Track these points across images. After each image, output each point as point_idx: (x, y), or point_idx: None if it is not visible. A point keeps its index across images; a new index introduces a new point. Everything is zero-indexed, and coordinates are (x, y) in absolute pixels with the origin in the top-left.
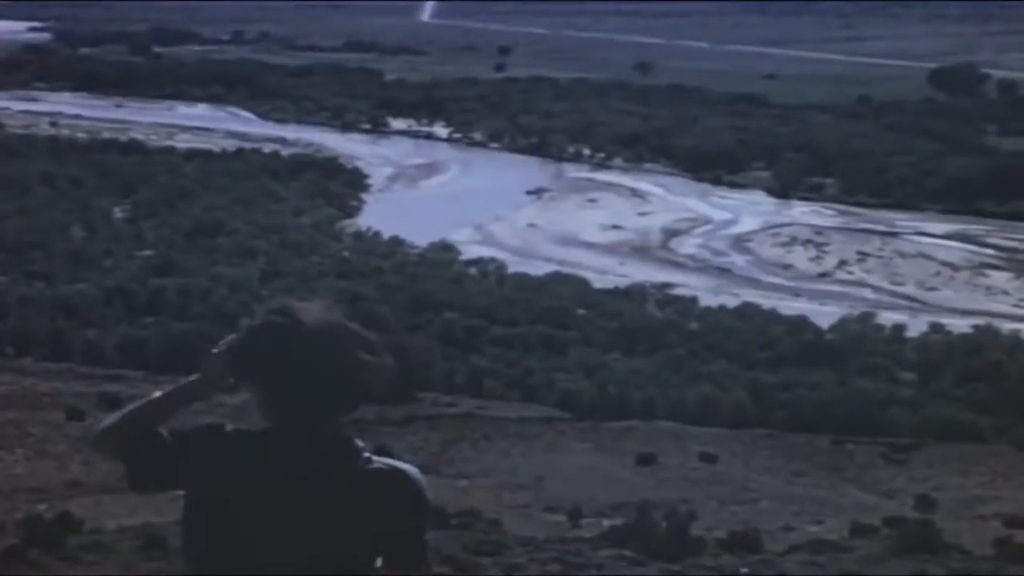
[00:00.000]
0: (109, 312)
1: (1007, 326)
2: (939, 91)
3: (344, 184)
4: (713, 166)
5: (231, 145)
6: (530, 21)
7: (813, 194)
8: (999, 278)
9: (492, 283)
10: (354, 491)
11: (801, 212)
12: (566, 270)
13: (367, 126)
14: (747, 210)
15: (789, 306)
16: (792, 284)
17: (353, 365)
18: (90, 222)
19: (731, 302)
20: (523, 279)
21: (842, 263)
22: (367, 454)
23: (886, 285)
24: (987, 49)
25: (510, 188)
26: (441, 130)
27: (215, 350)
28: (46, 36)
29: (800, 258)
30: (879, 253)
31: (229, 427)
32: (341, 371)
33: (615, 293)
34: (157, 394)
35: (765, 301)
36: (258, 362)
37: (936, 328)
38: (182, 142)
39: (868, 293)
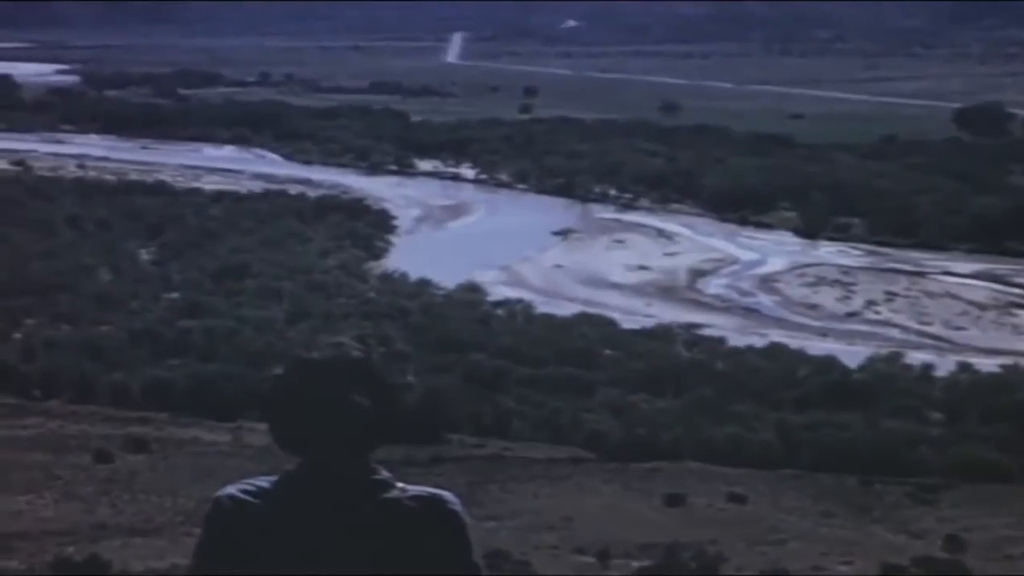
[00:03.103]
0: (135, 354)
1: None
2: (963, 131)
3: (370, 225)
4: (739, 206)
5: (257, 187)
6: (555, 62)
7: (839, 234)
8: None
9: (519, 324)
10: (392, 522)
11: (828, 252)
12: (593, 311)
13: (393, 167)
14: (774, 250)
15: (817, 346)
16: (819, 324)
17: (374, 400)
18: (117, 264)
19: (758, 342)
20: (550, 320)
21: (869, 303)
22: (400, 484)
23: (913, 325)
24: (1011, 89)
25: (536, 229)
26: (467, 171)
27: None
28: (73, 79)
29: (827, 298)
30: (906, 293)
31: (248, 489)
32: (361, 407)
33: (642, 334)
34: None
35: (792, 341)
36: (281, 405)
37: (964, 368)
38: (208, 184)
39: (895, 333)
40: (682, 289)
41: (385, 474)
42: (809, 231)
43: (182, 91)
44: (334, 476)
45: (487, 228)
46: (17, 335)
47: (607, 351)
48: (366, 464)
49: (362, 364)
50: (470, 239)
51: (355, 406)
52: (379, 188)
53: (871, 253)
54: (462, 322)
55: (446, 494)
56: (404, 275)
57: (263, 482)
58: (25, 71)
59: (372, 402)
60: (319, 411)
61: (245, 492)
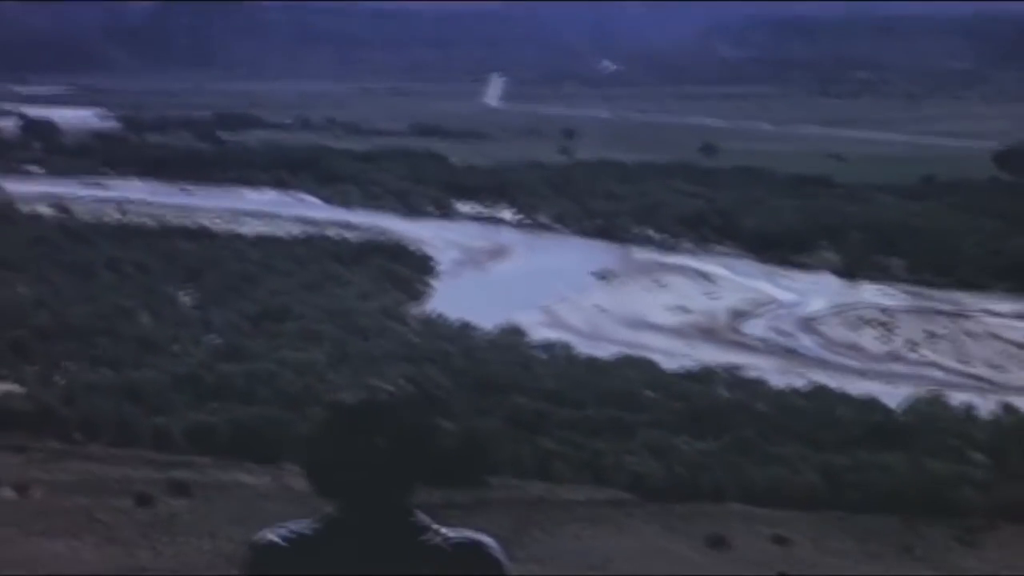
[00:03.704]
0: (176, 397)
1: None
2: (1004, 170)
3: (410, 268)
4: (779, 247)
5: (297, 230)
6: (594, 104)
7: (879, 274)
8: None
9: (560, 366)
10: (431, 567)
11: (868, 292)
12: (633, 352)
13: (433, 210)
14: (814, 291)
15: (858, 387)
16: (861, 365)
17: (410, 443)
18: (156, 307)
19: (799, 383)
20: (591, 361)
21: (910, 343)
22: (438, 528)
23: (955, 365)
24: None
25: (576, 270)
26: (507, 213)
27: None
28: (113, 123)
29: (868, 339)
30: (947, 333)
31: (286, 534)
32: (397, 450)
33: (683, 375)
34: None
35: (833, 382)
36: (317, 450)
37: (1006, 408)
38: (248, 227)
39: (937, 373)
40: (722, 330)
41: (423, 518)
42: (849, 271)
43: (222, 134)
44: (372, 520)
45: (527, 270)
46: (57, 379)
47: (648, 392)
48: (404, 508)
49: (396, 407)
50: (510, 281)
51: (391, 450)
52: (419, 231)
53: (911, 293)
54: (502, 364)
55: (485, 538)
56: (444, 317)
57: (301, 526)
58: (66, 115)
59: (408, 445)
60: (355, 455)
61: (283, 536)
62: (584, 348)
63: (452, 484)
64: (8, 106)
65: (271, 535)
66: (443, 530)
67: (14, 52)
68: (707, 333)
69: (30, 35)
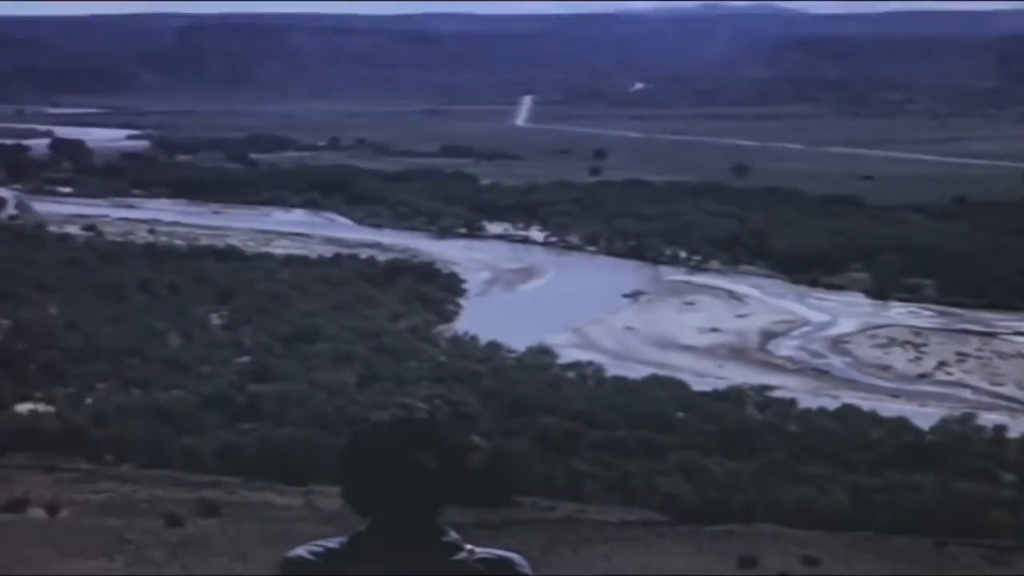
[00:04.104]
0: (207, 418)
1: None
2: None
3: (441, 289)
4: (810, 267)
5: (327, 251)
6: (624, 125)
7: (910, 295)
8: None
9: (590, 386)
10: None
11: (899, 313)
12: (664, 373)
13: (463, 230)
14: (845, 311)
15: (888, 407)
16: (891, 385)
17: (441, 461)
18: (187, 329)
19: (830, 404)
20: (621, 382)
21: (941, 364)
22: (468, 546)
23: (985, 386)
24: None
25: (607, 291)
26: (537, 234)
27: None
28: (144, 144)
29: (899, 359)
30: (978, 354)
31: (317, 551)
32: (428, 468)
33: (714, 396)
34: None
35: (864, 403)
36: (351, 467)
37: None
38: (279, 248)
39: (968, 394)
40: (753, 351)
41: (453, 535)
42: (880, 292)
43: (253, 156)
44: (402, 537)
45: (557, 291)
46: (89, 400)
47: (679, 413)
48: (434, 525)
49: (428, 425)
50: (540, 302)
51: (422, 467)
52: (449, 251)
53: (942, 314)
54: (533, 385)
55: (514, 556)
56: (475, 338)
57: (332, 543)
58: (97, 136)
59: (439, 463)
60: (387, 472)
61: (314, 553)
62: (614, 369)
63: (483, 504)
64: (39, 127)
65: (303, 551)
66: (472, 548)
67: (46, 74)
68: (738, 353)
69: (61, 57)
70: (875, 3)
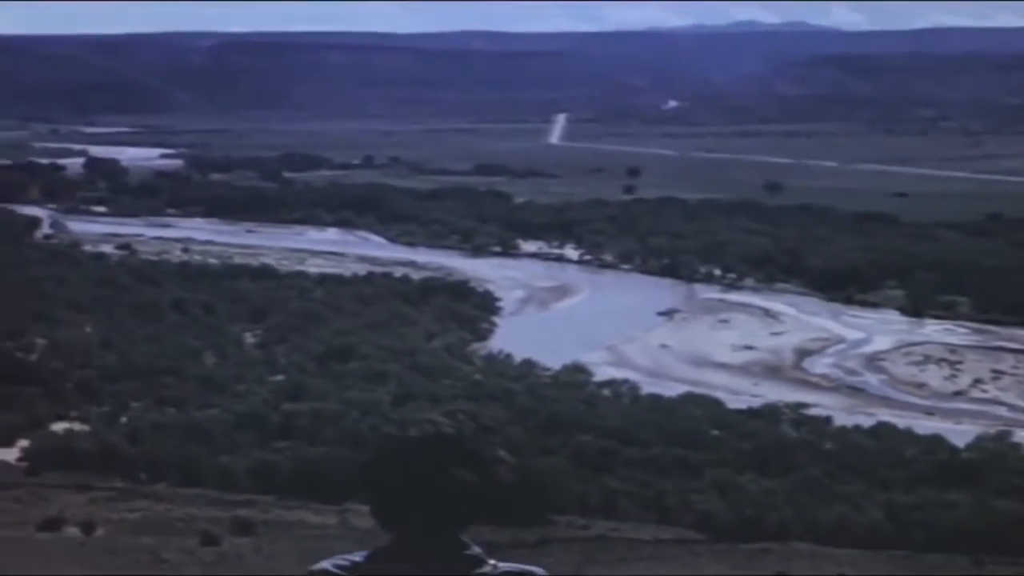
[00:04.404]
0: (241, 437)
1: None
2: None
3: (475, 307)
4: (844, 285)
5: (361, 269)
6: (658, 143)
7: (945, 312)
8: None
9: (625, 404)
10: None
11: (934, 330)
12: (699, 391)
13: (497, 249)
14: (879, 329)
15: (924, 425)
16: (926, 403)
17: (466, 476)
18: (221, 347)
19: (865, 421)
20: (656, 400)
21: (976, 381)
22: (492, 561)
23: (1021, 403)
24: None
25: (641, 309)
26: (571, 252)
27: None
28: (178, 163)
29: (934, 377)
30: (1013, 371)
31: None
32: (454, 482)
33: (749, 413)
34: None
35: (900, 420)
36: (376, 481)
37: None
38: (313, 266)
39: (1003, 411)
40: (788, 368)
41: (476, 550)
42: (914, 309)
43: (286, 174)
44: (426, 551)
45: (592, 309)
46: (123, 419)
47: (714, 431)
48: (458, 540)
49: (454, 440)
50: (575, 320)
51: (447, 482)
52: (483, 270)
53: (977, 331)
54: (568, 403)
55: (537, 571)
56: (509, 356)
57: (357, 557)
58: (131, 155)
59: (464, 478)
60: (412, 487)
61: (339, 567)
62: (649, 387)
63: (518, 522)
64: (74, 146)
65: (328, 565)
66: (495, 563)
67: (80, 93)
68: (772, 371)
69: (96, 76)
70: (906, 20)
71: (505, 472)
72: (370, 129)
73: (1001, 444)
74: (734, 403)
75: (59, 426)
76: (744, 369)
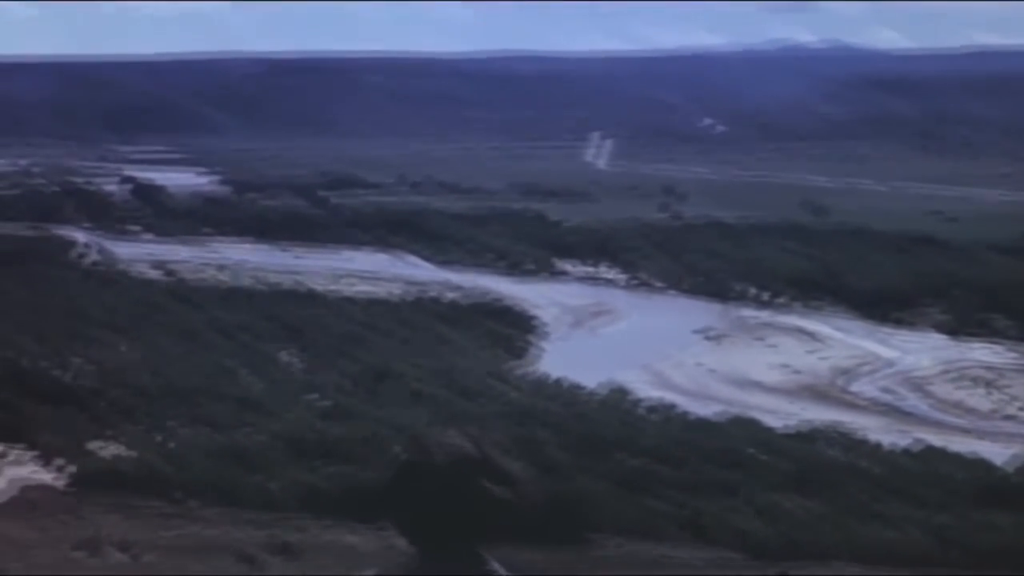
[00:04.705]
0: (280, 458)
1: None
2: None
3: (513, 327)
4: (886, 306)
5: (400, 290)
6: (697, 162)
7: (986, 332)
8: None
9: (664, 424)
10: None
11: (974, 350)
12: (739, 411)
13: (535, 268)
14: (922, 349)
15: (965, 446)
16: (968, 424)
17: (482, 494)
18: (261, 368)
19: (906, 442)
20: (696, 420)
21: (1018, 401)
22: None
23: None
24: None
25: (681, 329)
26: (610, 271)
27: None
28: (216, 183)
29: (975, 397)
30: None
31: None
32: (468, 501)
33: (788, 434)
34: None
35: (941, 441)
36: (395, 498)
37: None
38: (350, 286)
39: None
40: (828, 389)
41: (496, 567)
42: (955, 329)
43: (327, 195)
44: (446, 568)
45: (630, 328)
46: (163, 440)
47: (753, 451)
48: (478, 557)
49: (476, 460)
50: (613, 339)
51: (470, 500)
52: (522, 290)
53: (1018, 351)
54: (607, 423)
55: None
56: (548, 376)
57: (376, 573)
58: (172, 177)
59: (487, 496)
60: (436, 505)
61: None
62: (689, 407)
63: (554, 542)
64: (116, 168)
65: None
66: None
67: (122, 115)
68: (812, 392)
69: (139, 98)
70: (947, 39)
71: (527, 490)
72: (410, 149)
73: None
74: (774, 423)
75: (96, 445)
76: (784, 389)
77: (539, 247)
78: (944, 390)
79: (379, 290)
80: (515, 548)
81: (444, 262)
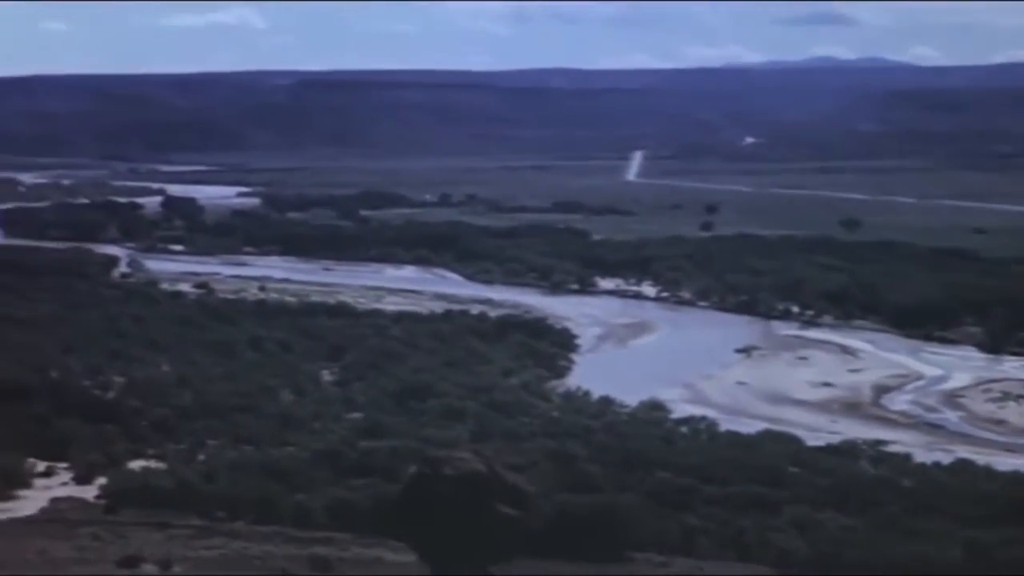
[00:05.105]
0: (318, 475)
1: None
2: None
3: (552, 344)
4: (922, 322)
5: (438, 307)
6: (735, 179)
7: None
8: None
9: (703, 441)
10: None
11: (1013, 367)
12: (777, 428)
13: (574, 286)
14: (958, 365)
15: (1004, 462)
16: (1006, 439)
17: (494, 515)
18: (298, 385)
19: (944, 458)
20: (734, 437)
21: None
22: None
23: None
24: None
25: (719, 346)
26: (649, 289)
27: None
28: (255, 201)
29: (1014, 413)
30: None
31: None
32: (480, 521)
33: (827, 450)
34: None
35: (979, 457)
36: (407, 517)
37: None
38: (390, 304)
39: None
40: (866, 405)
41: None
42: (993, 346)
43: (363, 212)
44: None
45: (669, 346)
46: (201, 456)
47: (792, 468)
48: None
49: (488, 478)
50: (652, 357)
51: (482, 517)
52: (561, 307)
53: None
54: (646, 440)
55: None
56: (587, 393)
57: None
58: (208, 193)
59: (499, 513)
60: (447, 522)
61: None
62: (727, 424)
63: (596, 559)
64: (152, 185)
65: None
66: None
67: (158, 132)
68: (851, 408)
69: (174, 115)
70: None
71: (537, 508)
72: (447, 166)
73: None
74: (812, 440)
75: (136, 464)
76: (822, 406)
77: (580, 264)
78: (981, 406)
79: (418, 307)
80: (556, 564)
81: (483, 279)
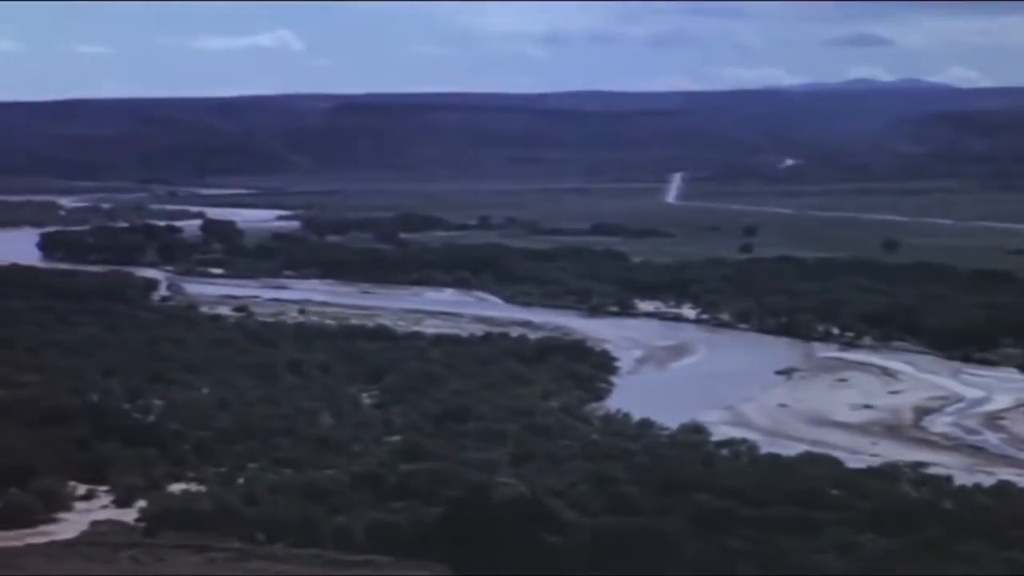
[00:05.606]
0: (358, 497)
1: None
2: None
3: (592, 366)
4: (962, 343)
5: (478, 329)
6: (775, 201)
7: None
8: None
9: (743, 464)
10: None
11: None
12: (818, 450)
13: (614, 308)
14: (999, 387)
15: None
16: None
17: (537, 541)
18: (338, 408)
19: (986, 480)
20: (775, 459)
21: None
22: None
23: None
24: None
25: (759, 369)
26: (688, 311)
27: None
28: (294, 224)
29: None
30: None
31: None
32: (523, 546)
33: (868, 472)
34: None
35: (1020, 479)
36: (451, 539)
37: None
38: (429, 327)
39: None
40: (907, 427)
41: None
42: None
43: (402, 235)
44: None
45: (709, 368)
46: (240, 479)
47: (833, 490)
48: None
49: (527, 503)
50: (692, 379)
51: (522, 543)
52: (600, 329)
53: None
54: (686, 462)
55: None
56: (627, 416)
57: None
58: (248, 217)
59: (544, 538)
60: (491, 546)
61: None
62: (767, 446)
63: None
64: (191, 208)
65: None
66: None
67: (198, 155)
68: (891, 430)
69: (213, 138)
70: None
71: (579, 534)
72: (485, 189)
73: None
74: (853, 462)
75: (176, 487)
76: (863, 428)
77: (618, 286)
78: (1022, 427)
79: (458, 330)
80: None
81: (523, 302)
